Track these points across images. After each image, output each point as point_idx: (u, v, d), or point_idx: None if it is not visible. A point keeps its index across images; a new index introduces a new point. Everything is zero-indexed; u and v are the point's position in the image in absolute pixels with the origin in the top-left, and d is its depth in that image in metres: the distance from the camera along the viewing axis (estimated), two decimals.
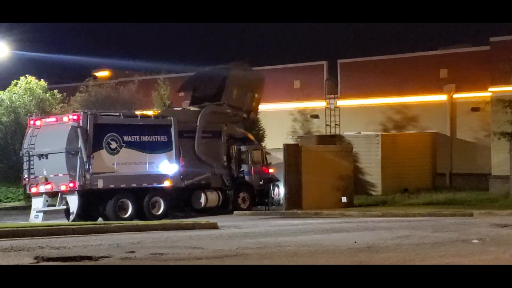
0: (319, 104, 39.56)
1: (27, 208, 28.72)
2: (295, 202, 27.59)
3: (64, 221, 23.74)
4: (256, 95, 31.19)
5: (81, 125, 24.82)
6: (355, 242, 13.19)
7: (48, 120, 26.30)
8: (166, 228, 18.18)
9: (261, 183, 29.75)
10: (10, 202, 42.60)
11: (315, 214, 25.56)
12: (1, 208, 39.09)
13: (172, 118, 27.25)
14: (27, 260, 10.92)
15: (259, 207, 29.63)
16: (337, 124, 37.79)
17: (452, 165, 35.58)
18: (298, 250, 12.07)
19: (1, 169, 38.23)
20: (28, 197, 30.11)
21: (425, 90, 36.48)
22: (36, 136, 25.57)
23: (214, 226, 18.92)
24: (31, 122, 26.07)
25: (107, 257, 11.30)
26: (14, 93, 38.50)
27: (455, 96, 35.76)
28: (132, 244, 13.64)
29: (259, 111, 33.88)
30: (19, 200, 41.74)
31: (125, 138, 25.82)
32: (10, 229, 16.33)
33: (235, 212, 27.92)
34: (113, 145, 25.54)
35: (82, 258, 11.18)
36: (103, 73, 55.92)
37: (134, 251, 12.12)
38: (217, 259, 10.94)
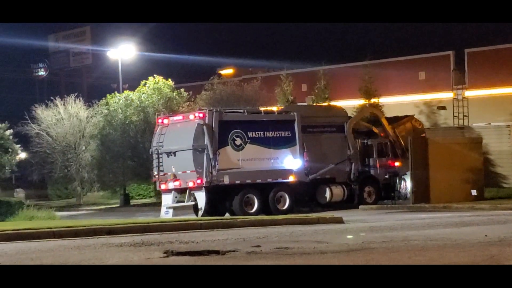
0: (446, 95, 38.60)
1: (158, 204, 29.64)
2: (422, 196, 26.99)
3: (192, 217, 24.30)
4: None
5: (207, 122, 25.25)
6: (486, 235, 12.74)
7: (175, 118, 26.91)
8: (291, 223, 18.18)
9: (386, 176, 29.34)
10: (141, 198, 44.24)
11: (444, 208, 24.92)
12: (134, 204, 40.62)
13: (295, 113, 27.31)
14: (157, 254, 11.20)
15: (385, 201, 29.22)
16: (465, 115, 36.75)
17: None
18: (425, 244, 11.77)
19: (132, 167, 39.61)
20: (158, 194, 31.07)
21: None
22: (164, 134, 26.18)
23: (339, 221, 18.79)
24: (159, 120, 26.70)
25: (233, 251, 11.42)
26: (143, 93, 39.84)
27: None
28: (258, 238, 13.76)
29: (382, 103, 34.22)
30: (150, 196, 43.24)
31: (250, 134, 26.08)
32: (142, 224, 16.89)
33: (360, 207, 27.66)
34: (238, 141, 25.86)
35: (209, 252, 11.34)
36: (227, 71, 56.96)
37: (260, 245, 12.21)
38: (343, 253, 10.83)
